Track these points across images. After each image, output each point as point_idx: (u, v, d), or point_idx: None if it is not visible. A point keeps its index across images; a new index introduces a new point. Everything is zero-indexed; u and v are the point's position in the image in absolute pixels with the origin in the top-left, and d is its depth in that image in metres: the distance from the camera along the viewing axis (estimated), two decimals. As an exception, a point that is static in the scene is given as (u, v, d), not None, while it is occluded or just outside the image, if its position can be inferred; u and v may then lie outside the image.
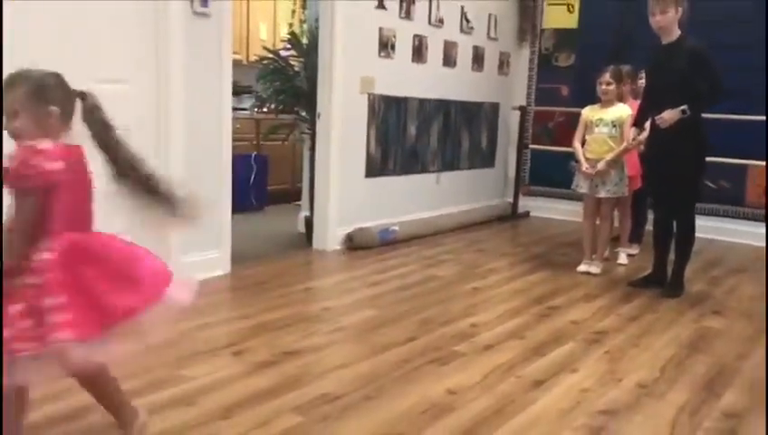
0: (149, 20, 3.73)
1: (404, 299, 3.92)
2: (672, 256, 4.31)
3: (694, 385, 2.85)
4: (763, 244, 5.61)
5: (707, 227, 5.49)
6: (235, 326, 3.35)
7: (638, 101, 4.51)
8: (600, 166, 4.46)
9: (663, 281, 4.31)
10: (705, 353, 3.25)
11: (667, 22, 3.97)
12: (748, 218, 5.98)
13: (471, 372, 2.87)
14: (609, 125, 4.50)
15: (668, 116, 3.96)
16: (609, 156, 4.45)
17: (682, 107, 3.91)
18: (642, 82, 4.71)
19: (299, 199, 6.07)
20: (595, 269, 4.65)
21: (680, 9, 3.96)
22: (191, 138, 3.94)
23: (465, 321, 3.56)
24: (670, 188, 4.14)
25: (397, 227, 5.42)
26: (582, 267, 4.69)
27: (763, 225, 5.75)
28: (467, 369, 2.92)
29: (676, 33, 4.01)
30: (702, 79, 3.92)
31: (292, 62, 5.45)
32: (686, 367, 3.06)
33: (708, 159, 4.18)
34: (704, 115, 4.13)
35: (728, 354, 3.24)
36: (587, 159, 4.56)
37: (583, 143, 4.63)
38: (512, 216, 6.85)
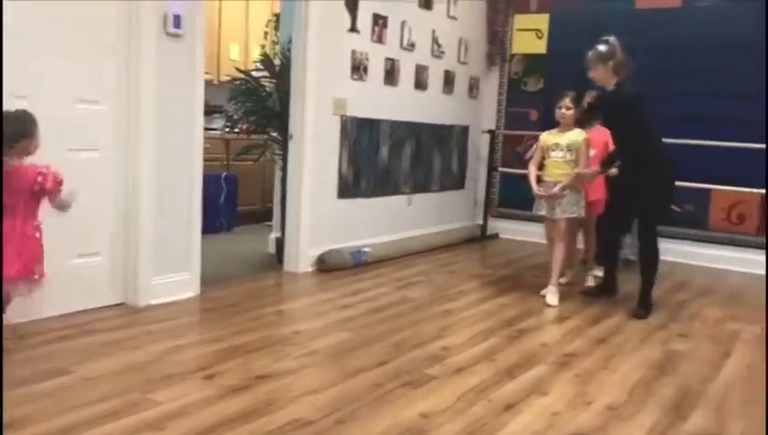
0: (122, 40, 3.72)
1: (376, 322, 3.92)
2: (636, 274, 4.42)
3: (661, 407, 2.90)
4: (753, 270, 5.68)
5: (672, 250, 5.59)
6: (205, 349, 3.31)
7: None
8: (555, 190, 4.50)
9: (613, 291, 4.65)
10: (672, 376, 3.30)
11: (599, 76, 4.22)
12: (711, 242, 6.09)
13: (443, 396, 2.88)
14: (564, 149, 4.54)
15: (586, 176, 4.45)
16: (563, 181, 4.48)
17: (596, 169, 4.48)
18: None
19: (269, 220, 6.05)
20: (551, 299, 4.49)
21: (610, 63, 4.13)
22: (162, 157, 3.91)
23: (437, 343, 3.58)
24: (628, 211, 4.36)
25: (369, 249, 5.43)
26: (543, 291, 4.61)
27: (754, 252, 5.83)
28: (439, 392, 2.93)
29: (613, 82, 4.19)
30: (627, 126, 4.15)
31: (264, 83, 5.46)
32: (653, 389, 3.11)
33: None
34: (669, 140, 4.37)
35: (694, 377, 3.30)
36: (545, 182, 4.61)
37: (542, 167, 4.70)
38: (481, 237, 6.91)
